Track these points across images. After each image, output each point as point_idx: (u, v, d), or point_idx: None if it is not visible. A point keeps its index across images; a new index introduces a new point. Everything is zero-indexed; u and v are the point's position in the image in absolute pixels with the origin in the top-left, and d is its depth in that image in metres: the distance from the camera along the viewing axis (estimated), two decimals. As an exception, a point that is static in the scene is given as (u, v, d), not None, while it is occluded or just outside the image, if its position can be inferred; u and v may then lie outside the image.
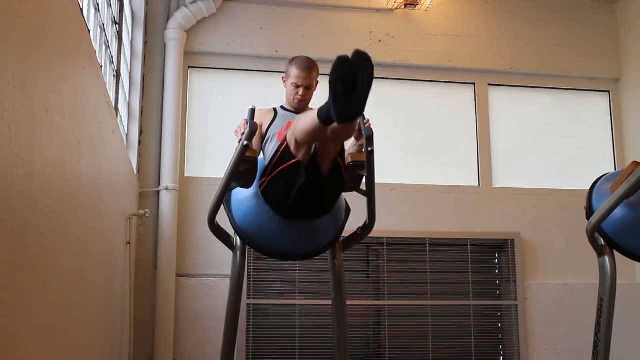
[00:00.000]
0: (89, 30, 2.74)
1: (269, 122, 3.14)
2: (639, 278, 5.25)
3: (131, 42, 4.66)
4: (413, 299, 4.88)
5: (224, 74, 5.14)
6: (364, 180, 2.74)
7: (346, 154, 2.68)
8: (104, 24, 3.41)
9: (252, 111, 2.73)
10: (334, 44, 5.06)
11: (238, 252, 2.86)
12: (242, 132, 2.63)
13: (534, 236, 5.17)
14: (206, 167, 4.93)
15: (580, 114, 5.61)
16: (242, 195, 2.83)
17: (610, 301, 3.09)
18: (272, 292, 4.70)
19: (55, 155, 1.89)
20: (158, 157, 4.76)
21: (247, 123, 2.62)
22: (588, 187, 3.39)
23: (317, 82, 3.16)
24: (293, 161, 2.54)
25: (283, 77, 3.18)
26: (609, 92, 5.63)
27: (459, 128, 5.37)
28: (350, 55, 2.16)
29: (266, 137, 3.11)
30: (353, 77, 2.14)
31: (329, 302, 3.04)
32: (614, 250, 3.16)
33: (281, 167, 2.60)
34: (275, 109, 3.22)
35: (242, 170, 2.64)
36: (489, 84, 5.44)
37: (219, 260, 4.63)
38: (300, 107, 3.15)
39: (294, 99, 3.14)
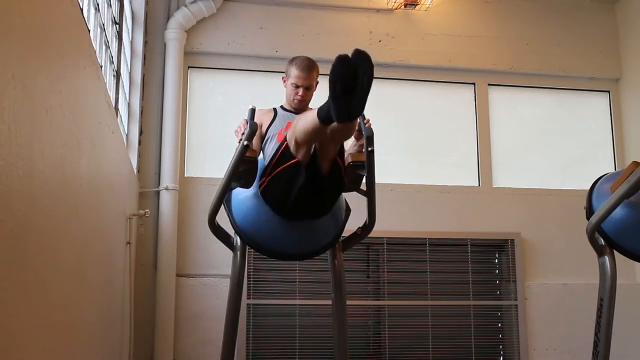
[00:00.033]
0: (89, 30, 2.74)
1: (268, 122, 3.14)
2: (639, 278, 5.25)
3: (131, 42, 4.66)
4: (413, 299, 4.88)
5: (224, 74, 5.14)
6: (364, 180, 2.74)
7: (346, 154, 2.67)
8: (104, 24, 3.41)
9: (252, 111, 2.73)
10: (334, 44, 5.05)
11: (238, 252, 2.86)
12: (242, 132, 2.63)
13: (534, 236, 5.17)
14: (206, 167, 4.93)
15: (580, 114, 5.61)
16: (242, 195, 2.83)
17: (610, 301, 3.09)
18: (272, 292, 4.70)
19: (55, 155, 1.89)
20: (158, 157, 4.76)
21: (247, 123, 2.62)
22: (588, 187, 3.39)
23: (317, 82, 3.15)
24: (293, 161, 2.54)
25: (283, 77, 3.18)
26: (609, 92, 5.63)
27: (459, 128, 5.36)
28: (350, 55, 2.15)
29: (266, 137, 3.10)
30: (353, 77, 2.13)
31: (329, 302, 3.04)
32: (614, 250, 3.16)
33: (281, 167, 2.60)
34: (275, 109, 3.22)
35: (242, 170, 2.64)
36: (489, 84, 5.44)
37: (219, 260, 4.63)
38: (300, 107, 3.15)
39: (293, 99, 3.14)
